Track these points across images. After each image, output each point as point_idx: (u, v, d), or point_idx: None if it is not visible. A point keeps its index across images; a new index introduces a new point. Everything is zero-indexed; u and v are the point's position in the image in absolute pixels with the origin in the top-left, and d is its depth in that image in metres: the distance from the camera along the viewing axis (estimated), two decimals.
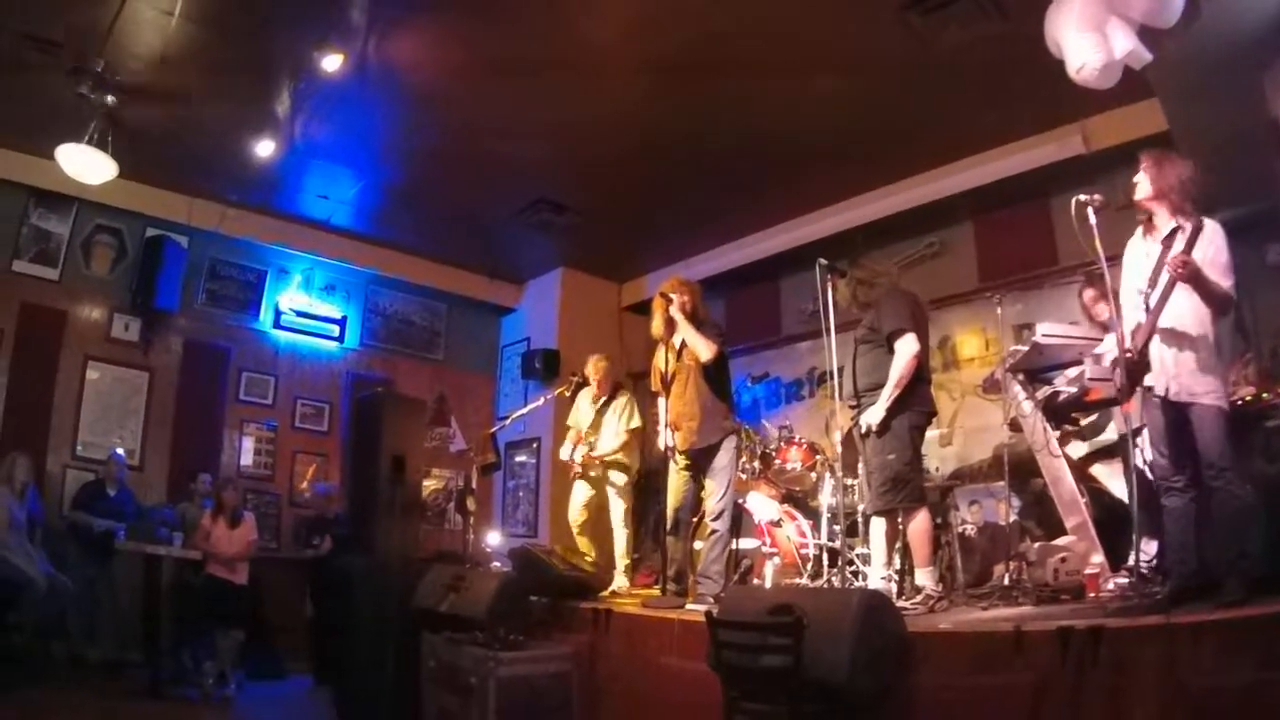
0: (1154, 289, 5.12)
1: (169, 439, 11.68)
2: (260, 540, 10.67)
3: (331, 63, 8.26)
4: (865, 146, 9.94)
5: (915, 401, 6.48)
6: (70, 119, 8.99)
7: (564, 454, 9.47)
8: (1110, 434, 6.80)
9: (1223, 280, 4.99)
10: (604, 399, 9.41)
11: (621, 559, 9.08)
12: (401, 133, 10.06)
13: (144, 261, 11.55)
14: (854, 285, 6.97)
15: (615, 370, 9.62)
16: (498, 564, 9.71)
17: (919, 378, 6.50)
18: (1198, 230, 5.00)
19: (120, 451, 10.64)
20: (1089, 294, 6.97)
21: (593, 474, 9.28)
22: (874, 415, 6.39)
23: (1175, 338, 5.05)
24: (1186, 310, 5.04)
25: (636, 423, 9.18)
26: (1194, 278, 4.88)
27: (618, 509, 9.14)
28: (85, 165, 9.29)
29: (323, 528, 11.18)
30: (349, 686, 8.37)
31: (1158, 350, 5.12)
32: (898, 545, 6.99)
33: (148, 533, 9.53)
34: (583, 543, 9.31)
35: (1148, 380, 5.17)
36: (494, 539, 11.83)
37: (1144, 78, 6.46)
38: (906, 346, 6.41)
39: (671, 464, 7.49)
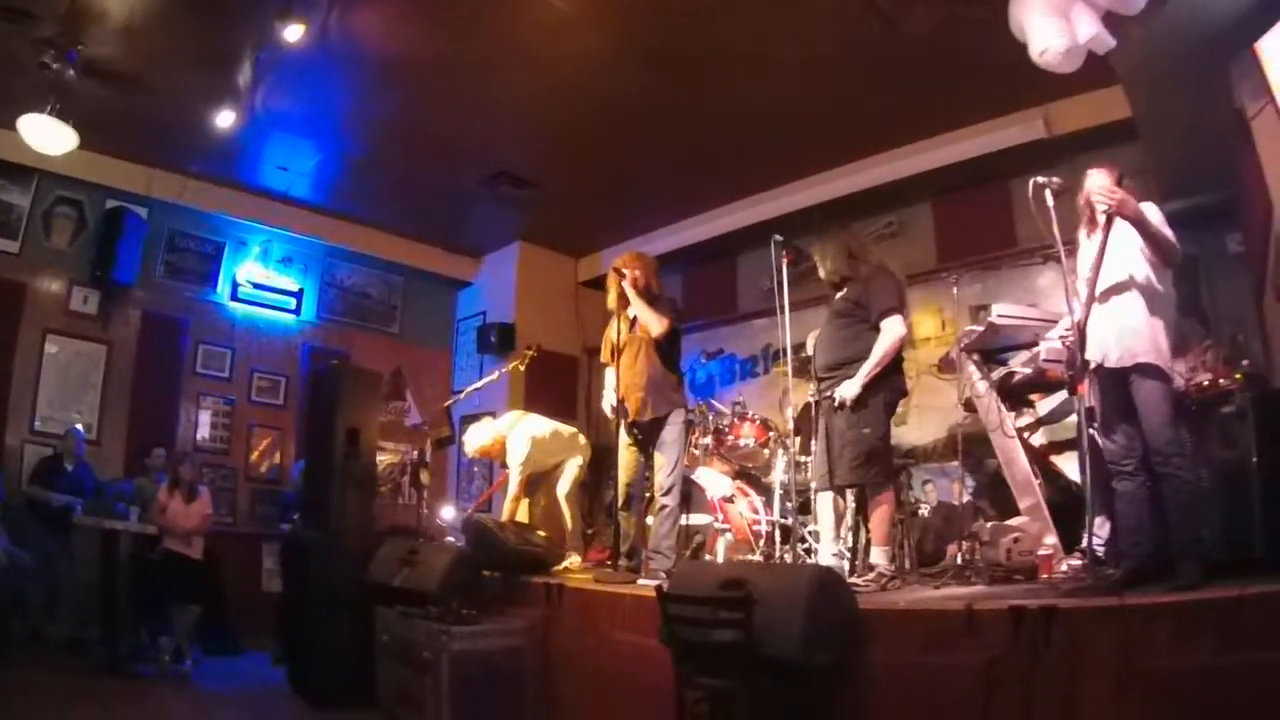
0: (1096, 273, 5.14)
1: (126, 413, 11.60)
2: (216, 515, 10.60)
3: (293, 33, 8.19)
4: (826, 125, 9.98)
5: (891, 381, 6.52)
6: (32, 89, 8.96)
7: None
8: (1071, 423, 6.85)
9: (1163, 229, 5.04)
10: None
11: (570, 533, 9.16)
12: (362, 104, 10.02)
13: (103, 233, 11.44)
14: (841, 254, 6.92)
15: (495, 440, 9.49)
16: (451, 538, 9.71)
17: (897, 358, 6.54)
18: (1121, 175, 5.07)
19: (79, 426, 10.56)
20: None
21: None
22: (850, 389, 6.37)
23: (1116, 303, 5.13)
24: (1125, 274, 5.11)
25: (522, 453, 9.08)
26: (1133, 213, 4.94)
27: (564, 485, 9.21)
28: (47, 136, 9.28)
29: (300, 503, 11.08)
30: (306, 660, 8.35)
31: (1097, 320, 5.16)
32: (847, 522, 7.03)
33: (105, 508, 9.44)
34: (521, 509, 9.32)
35: (1089, 354, 5.19)
36: (448, 513, 11.84)
37: (1109, 64, 6.50)
38: (896, 327, 6.44)
39: (621, 439, 7.49)
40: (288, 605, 9.52)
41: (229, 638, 10.58)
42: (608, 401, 7.77)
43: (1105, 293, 5.13)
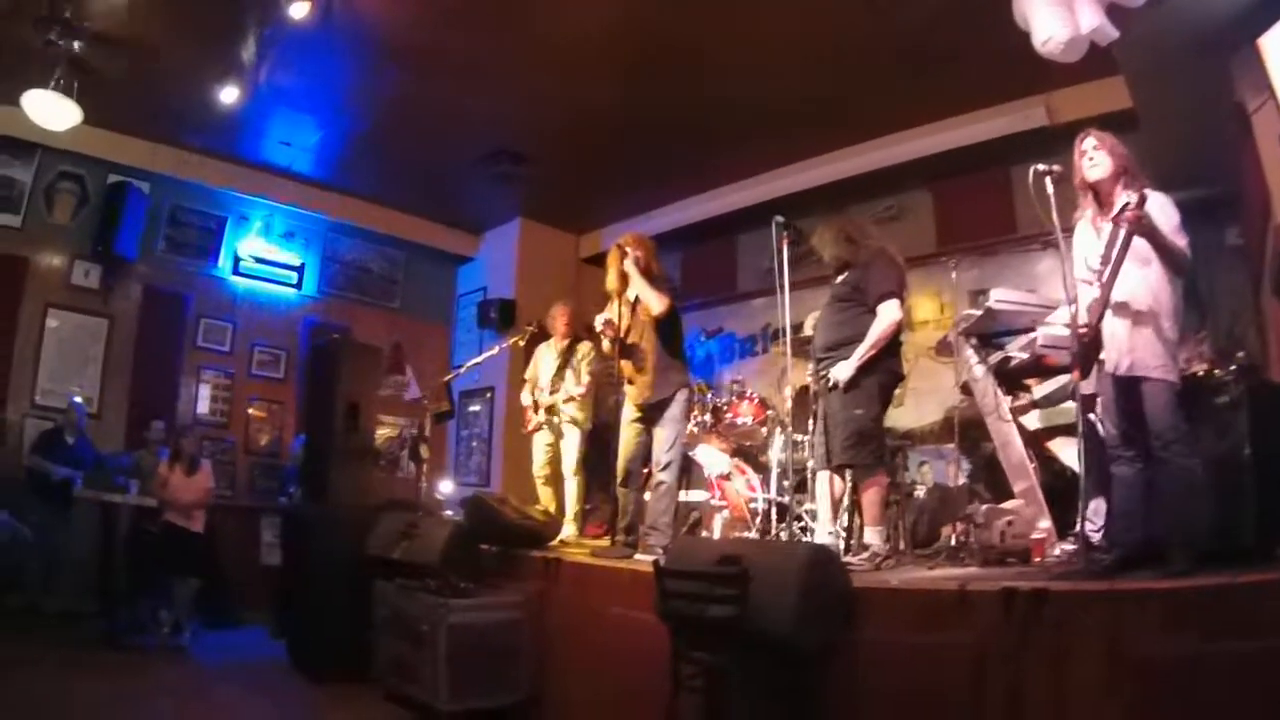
0: (1107, 265, 5.09)
1: (127, 386, 11.65)
2: (216, 488, 10.61)
3: (298, 9, 8.19)
4: (827, 108, 9.97)
5: (886, 364, 6.54)
6: (36, 65, 8.94)
7: (524, 400, 9.52)
8: (1068, 408, 6.87)
9: (1177, 239, 5.02)
10: (567, 344, 9.43)
11: (571, 507, 9.15)
12: (365, 80, 10.01)
13: (105, 208, 11.46)
14: (839, 240, 6.95)
15: (578, 319, 9.65)
16: (449, 512, 9.73)
17: (894, 342, 6.57)
18: (1144, 196, 5.01)
19: (79, 399, 10.59)
20: None
21: (554, 420, 9.29)
22: (844, 371, 6.41)
23: (1129, 313, 5.03)
24: (1140, 284, 5.02)
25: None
26: (1149, 231, 4.88)
27: (569, 459, 9.17)
28: (50, 112, 9.27)
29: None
30: (303, 633, 8.40)
31: (1110, 326, 5.09)
32: (845, 503, 7.07)
33: (105, 481, 9.50)
34: (545, 494, 9.35)
35: (1101, 356, 5.19)
36: (446, 487, 11.92)
37: (1111, 54, 6.50)
38: (891, 312, 6.46)
39: (624, 416, 7.51)
40: (287, 578, 9.55)
41: (228, 611, 10.59)
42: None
43: (1118, 295, 5.09)
